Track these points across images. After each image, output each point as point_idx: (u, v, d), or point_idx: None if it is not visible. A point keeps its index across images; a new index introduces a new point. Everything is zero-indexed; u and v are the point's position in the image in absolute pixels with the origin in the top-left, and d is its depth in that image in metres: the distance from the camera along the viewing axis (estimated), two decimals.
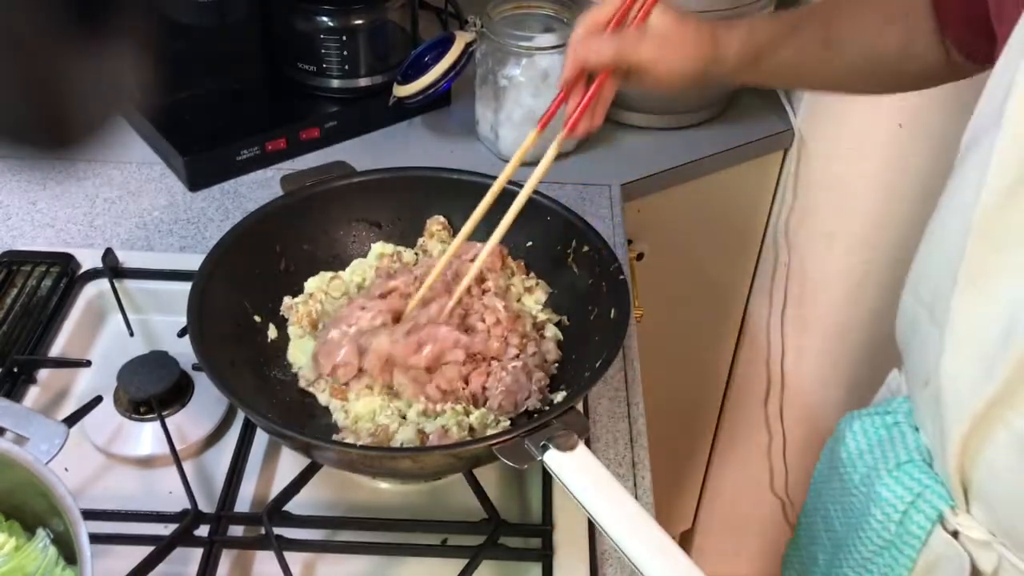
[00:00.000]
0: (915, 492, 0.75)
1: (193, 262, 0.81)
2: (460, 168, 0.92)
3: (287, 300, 0.86)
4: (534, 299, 0.88)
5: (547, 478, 0.79)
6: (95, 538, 0.58)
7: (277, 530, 0.73)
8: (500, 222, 0.80)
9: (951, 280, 0.65)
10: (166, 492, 0.79)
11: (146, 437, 0.81)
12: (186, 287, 0.77)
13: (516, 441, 0.66)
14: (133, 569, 0.69)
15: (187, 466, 0.79)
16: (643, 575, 0.60)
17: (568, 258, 0.87)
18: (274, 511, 0.74)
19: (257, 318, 0.84)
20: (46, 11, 0.39)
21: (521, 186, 0.81)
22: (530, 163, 1.06)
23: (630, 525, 0.61)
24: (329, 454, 0.72)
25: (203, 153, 1.10)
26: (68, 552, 0.61)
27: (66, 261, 0.96)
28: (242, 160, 1.12)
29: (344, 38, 1.13)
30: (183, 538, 0.73)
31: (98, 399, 0.82)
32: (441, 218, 0.92)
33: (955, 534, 0.73)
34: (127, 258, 0.97)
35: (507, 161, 1.15)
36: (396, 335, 0.79)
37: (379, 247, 0.91)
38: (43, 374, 0.87)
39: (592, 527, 0.76)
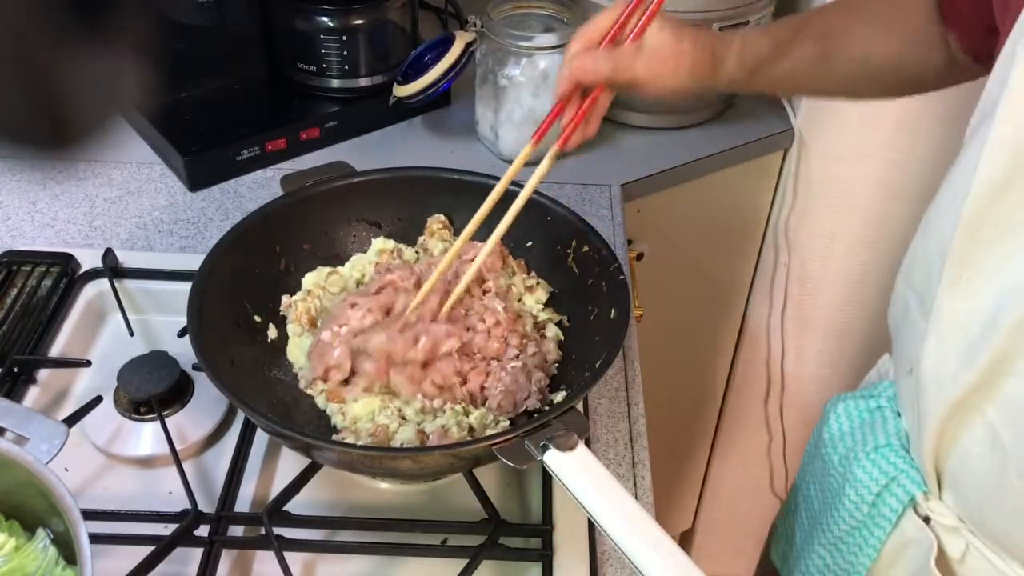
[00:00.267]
0: (889, 475, 0.77)
1: (193, 262, 0.81)
2: (460, 168, 0.92)
3: (286, 299, 0.86)
4: (535, 298, 0.88)
5: (547, 478, 0.79)
6: (95, 538, 0.58)
7: (277, 530, 0.73)
8: (498, 224, 0.79)
9: (940, 268, 0.65)
10: (166, 492, 0.79)
11: (146, 437, 0.81)
12: (186, 287, 0.77)
13: (516, 441, 0.66)
14: (133, 569, 0.69)
15: (187, 466, 0.79)
16: (643, 575, 0.60)
17: (568, 258, 0.87)
18: (274, 511, 0.74)
19: (257, 318, 0.84)
20: (46, 11, 0.39)
21: (522, 187, 0.80)
22: (531, 163, 1.06)
23: (630, 525, 0.61)
24: (329, 454, 0.72)
25: (203, 153, 1.10)
26: (68, 552, 0.61)
27: (66, 261, 0.96)
28: (242, 160, 1.12)
29: (344, 38, 1.13)
30: (183, 538, 0.73)
31: (98, 399, 0.82)
32: (442, 217, 0.92)
33: (926, 519, 0.74)
34: (127, 258, 0.97)
35: (507, 161, 1.16)
36: (392, 332, 0.79)
37: (380, 243, 0.91)
38: (43, 374, 0.87)
39: (592, 527, 0.76)
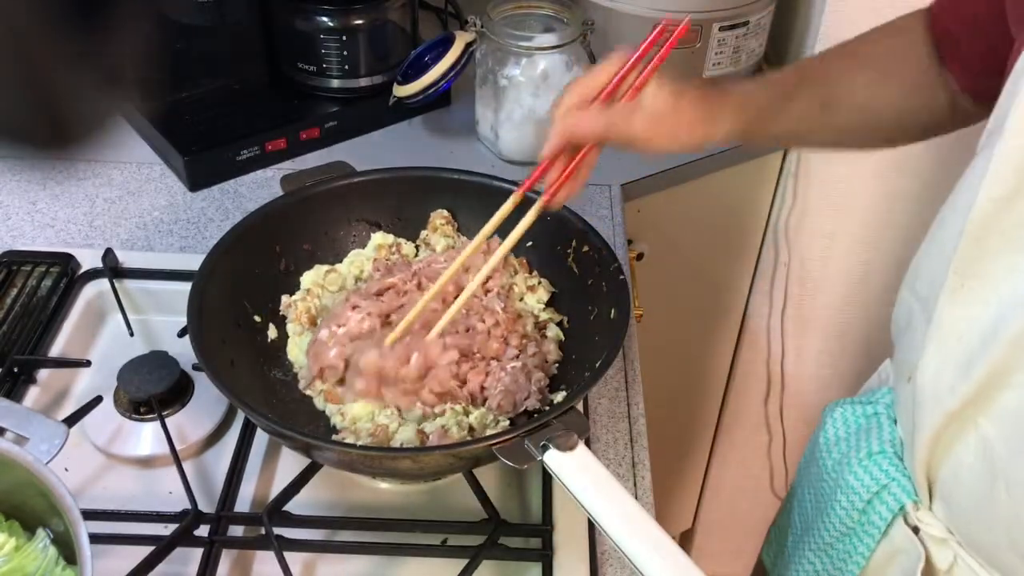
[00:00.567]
0: (881, 483, 0.77)
1: (193, 262, 0.81)
2: (460, 168, 0.92)
3: (285, 299, 0.86)
4: (536, 298, 0.87)
5: (547, 478, 0.79)
6: (95, 538, 0.58)
7: (277, 530, 0.73)
8: (499, 247, 0.78)
9: (944, 278, 0.65)
10: (166, 492, 0.79)
11: (146, 437, 0.81)
12: (186, 287, 0.77)
13: (516, 441, 0.66)
14: (133, 569, 0.69)
15: (187, 466, 0.79)
16: (643, 575, 0.60)
17: (568, 258, 0.87)
18: (274, 511, 0.74)
19: (257, 318, 0.84)
20: (46, 11, 0.39)
21: (536, 192, 0.80)
22: (526, 163, 1.06)
23: (630, 525, 0.61)
24: (329, 454, 0.72)
25: (203, 153, 1.10)
26: (68, 552, 0.61)
27: (66, 261, 0.96)
28: (242, 160, 1.12)
29: (344, 38, 1.13)
30: (183, 538, 0.73)
31: (98, 399, 0.82)
32: (445, 212, 0.92)
33: (915, 529, 0.74)
34: (127, 258, 0.97)
35: (507, 162, 1.16)
36: (384, 348, 0.78)
37: (378, 238, 0.91)
38: (43, 374, 0.87)
39: (592, 527, 0.76)
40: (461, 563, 0.71)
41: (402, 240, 0.92)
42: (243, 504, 0.78)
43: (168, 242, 1.03)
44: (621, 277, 0.80)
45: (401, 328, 0.78)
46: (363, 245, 0.92)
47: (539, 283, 0.88)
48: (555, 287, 0.88)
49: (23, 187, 1.09)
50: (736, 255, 1.45)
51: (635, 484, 0.82)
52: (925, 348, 0.68)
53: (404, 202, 0.92)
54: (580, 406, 0.85)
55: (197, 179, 1.10)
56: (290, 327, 0.85)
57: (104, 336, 0.94)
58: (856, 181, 1.32)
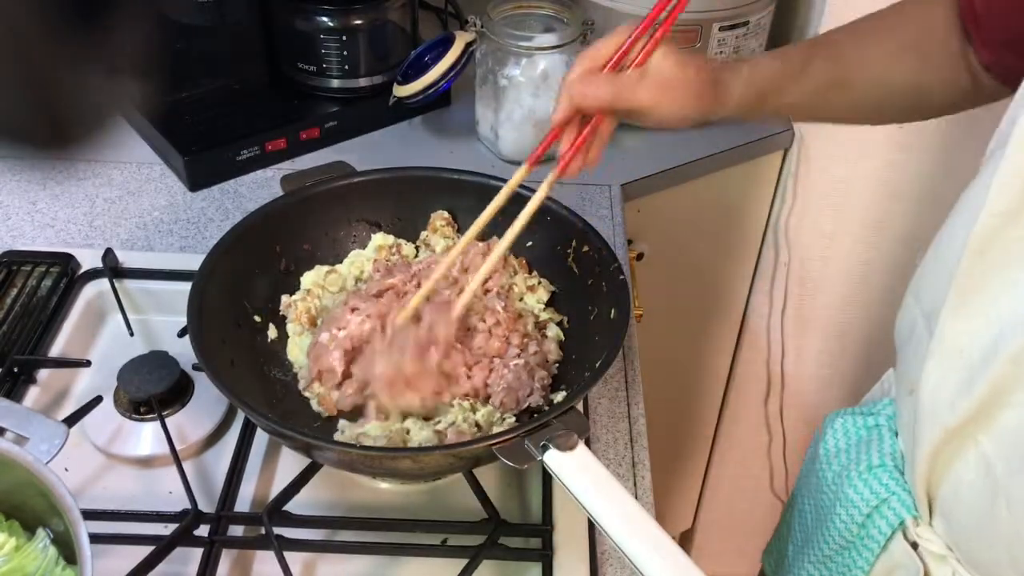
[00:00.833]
0: (881, 497, 0.76)
1: (193, 262, 0.81)
2: (460, 168, 0.92)
3: (285, 299, 0.86)
4: (536, 298, 0.87)
5: (547, 478, 0.79)
6: (95, 538, 0.58)
7: (277, 530, 0.73)
8: (500, 241, 0.78)
9: (947, 291, 0.65)
10: (166, 492, 0.79)
11: (146, 437, 0.81)
12: (186, 287, 0.77)
13: (516, 441, 0.66)
14: (133, 569, 0.69)
15: (187, 466, 0.79)
16: (643, 575, 0.60)
17: (568, 258, 0.87)
18: (274, 511, 0.74)
19: (257, 318, 0.84)
20: (46, 11, 0.39)
21: (532, 189, 0.80)
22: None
23: (630, 525, 0.61)
24: (329, 454, 0.72)
25: (203, 153, 1.10)
26: (68, 552, 0.61)
27: (66, 261, 0.96)
28: (242, 160, 1.12)
29: (344, 38, 1.13)
30: (183, 538, 0.73)
31: (98, 399, 0.82)
32: (445, 213, 0.92)
33: (914, 545, 0.73)
34: (127, 258, 0.97)
35: (507, 162, 1.16)
36: (391, 352, 0.77)
37: (379, 238, 0.91)
38: (43, 374, 0.87)
39: (592, 527, 0.76)
40: (461, 563, 0.71)
41: (402, 241, 0.92)
42: (243, 504, 0.78)
43: (168, 242, 1.03)
44: (621, 277, 0.80)
45: (403, 317, 0.78)
46: (363, 245, 0.92)
47: (539, 283, 0.88)
48: (555, 287, 0.88)
49: (23, 187, 1.09)
50: (736, 255, 1.45)
51: (635, 484, 0.82)
52: (926, 362, 0.67)
53: (404, 202, 0.92)
54: (580, 406, 0.85)
55: (197, 179, 1.10)
56: (290, 327, 0.85)
57: (104, 336, 0.94)
58: (856, 181, 1.32)
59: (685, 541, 1.91)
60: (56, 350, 0.89)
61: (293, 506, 0.76)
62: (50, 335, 0.89)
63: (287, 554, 0.71)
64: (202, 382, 0.85)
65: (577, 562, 0.74)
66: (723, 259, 1.45)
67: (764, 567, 1.02)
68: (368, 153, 1.16)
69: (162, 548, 0.71)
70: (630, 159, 1.20)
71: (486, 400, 0.79)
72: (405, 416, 0.78)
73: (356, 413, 0.80)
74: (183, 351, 0.80)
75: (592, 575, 0.74)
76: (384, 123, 1.21)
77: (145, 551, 0.71)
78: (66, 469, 0.79)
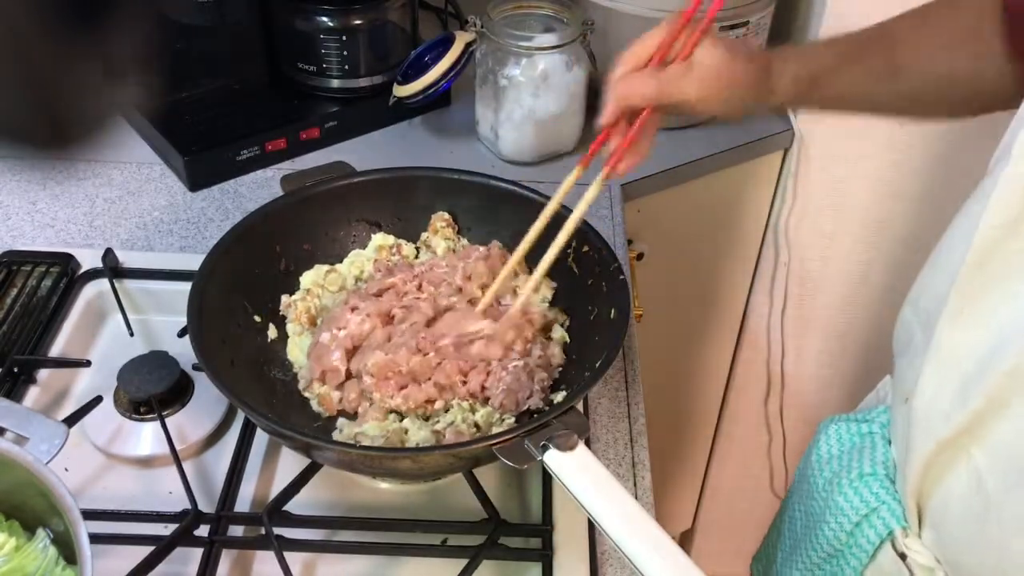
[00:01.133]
0: (871, 506, 0.75)
1: (193, 262, 0.81)
2: (460, 168, 0.92)
3: (285, 299, 0.86)
4: (540, 297, 0.87)
5: (547, 478, 0.79)
6: (95, 538, 0.58)
7: (277, 530, 0.73)
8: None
9: (946, 301, 0.64)
10: (166, 492, 0.79)
11: (146, 437, 0.81)
12: (186, 287, 0.77)
13: (516, 441, 0.66)
14: (133, 569, 0.69)
15: (187, 466, 0.79)
16: (643, 575, 0.60)
17: (568, 258, 0.87)
18: (274, 511, 0.74)
19: (257, 318, 0.84)
20: (46, 11, 0.39)
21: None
22: (526, 163, 1.06)
23: (630, 525, 0.61)
24: (329, 454, 0.72)
25: (203, 153, 1.10)
26: (68, 552, 0.61)
27: (66, 261, 0.96)
28: (242, 160, 1.12)
29: (344, 38, 1.13)
30: (183, 538, 0.73)
31: (98, 399, 0.82)
32: (446, 215, 0.92)
33: (903, 556, 0.73)
34: (127, 258, 0.97)
35: (507, 162, 1.16)
36: (388, 346, 0.78)
37: (379, 238, 0.91)
38: (43, 374, 0.87)
39: (592, 527, 0.76)
40: (461, 563, 0.71)
41: (402, 241, 0.92)
42: (243, 504, 0.78)
43: (168, 242, 1.03)
44: (621, 277, 0.80)
45: (488, 297, 0.79)
46: (363, 245, 0.92)
47: (542, 282, 0.88)
48: (556, 283, 0.88)
49: (23, 187, 1.09)
50: (736, 255, 1.45)
51: (635, 484, 0.82)
52: (923, 371, 0.66)
53: (404, 202, 0.92)
54: (580, 406, 0.85)
55: (197, 179, 1.10)
56: (290, 327, 0.85)
57: (104, 336, 0.94)
58: (856, 181, 1.32)
59: (685, 541, 1.91)
60: (56, 350, 0.89)
61: (293, 506, 0.76)
62: (50, 335, 0.89)
63: (287, 554, 0.71)
64: (202, 382, 0.85)
65: (577, 562, 0.74)
66: (723, 259, 1.45)
67: (752, 574, 1.01)
68: (368, 153, 1.16)
69: (162, 548, 0.71)
70: None
71: (485, 402, 0.79)
72: (403, 416, 0.78)
73: (356, 412, 0.80)
74: (183, 351, 0.80)
75: (592, 575, 0.74)
76: (384, 123, 1.21)
77: (145, 551, 0.71)
78: (66, 469, 0.79)
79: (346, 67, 1.15)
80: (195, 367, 0.84)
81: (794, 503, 0.89)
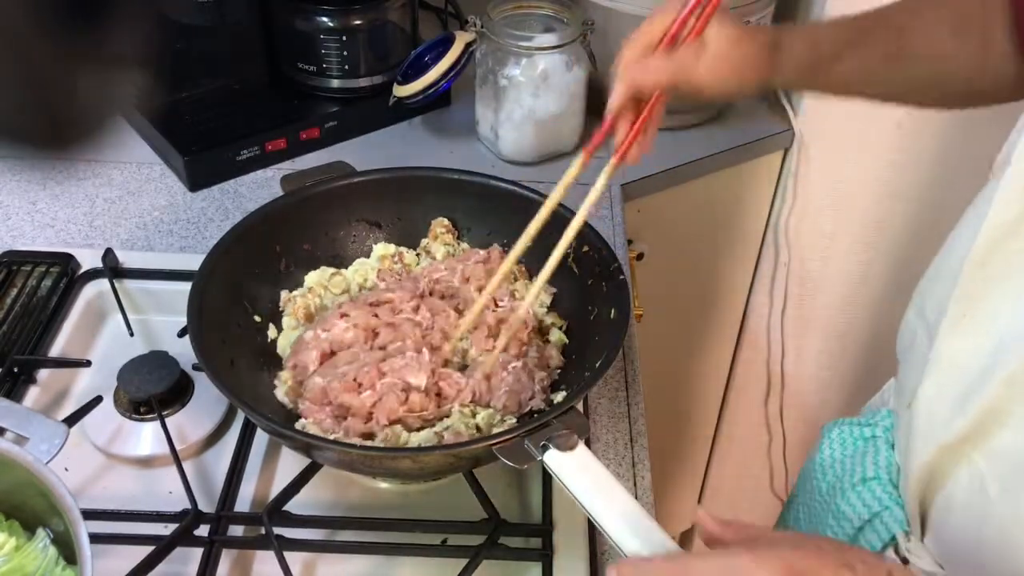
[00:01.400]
0: (873, 511, 0.75)
1: (193, 262, 0.81)
2: (460, 168, 0.92)
3: (285, 293, 0.87)
4: (539, 302, 0.87)
5: (547, 478, 0.79)
6: (95, 538, 0.58)
7: (277, 530, 0.73)
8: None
9: (948, 305, 0.64)
10: (166, 492, 0.79)
11: (146, 437, 0.81)
12: (186, 287, 0.77)
13: (516, 441, 0.66)
14: (133, 569, 0.70)
15: (187, 466, 0.79)
16: None
17: (568, 258, 0.87)
18: (274, 511, 0.74)
19: (257, 318, 0.84)
20: (46, 11, 0.39)
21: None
22: (526, 163, 1.06)
23: (630, 525, 0.61)
24: (329, 454, 0.72)
25: (203, 153, 1.10)
26: (68, 552, 0.61)
27: (66, 261, 0.96)
28: (242, 160, 1.12)
29: (344, 38, 1.13)
30: (183, 538, 0.73)
31: (98, 399, 0.82)
32: (445, 220, 0.92)
33: (905, 560, 0.72)
34: (127, 258, 0.97)
35: (507, 162, 1.16)
36: (335, 372, 0.77)
37: (380, 248, 0.91)
38: (43, 374, 0.87)
39: (592, 527, 0.76)
40: (461, 563, 0.71)
41: (403, 249, 0.92)
42: (243, 504, 0.78)
43: (168, 242, 1.03)
44: (621, 277, 0.80)
45: (484, 298, 0.77)
46: (363, 244, 0.92)
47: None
48: (555, 288, 0.88)
49: (23, 187, 1.09)
50: (736, 255, 1.45)
51: (635, 484, 0.82)
52: (925, 376, 0.66)
53: (404, 202, 0.92)
54: (580, 406, 0.85)
55: (197, 179, 1.10)
56: (286, 320, 0.85)
57: (104, 336, 0.94)
58: (856, 181, 1.32)
59: (685, 541, 1.90)
60: (56, 350, 0.89)
61: (293, 506, 0.76)
62: (50, 335, 0.89)
63: (287, 554, 0.71)
64: (202, 382, 0.85)
65: (577, 562, 0.74)
66: (723, 259, 1.45)
67: None
68: (368, 153, 1.16)
69: (162, 548, 0.71)
70: None
71: (485, 406, 0.79)
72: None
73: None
74: (183, 351, 0.80)
75: (592, 575, 0.74)
76: (384, 123, 1.21)
77: (145, 551, 0.71)
78: (66, 469, 0.79)
79: (346, 67, 1.15)
80: (195, 367, 0.84)
81: (797, 506, 0.89)
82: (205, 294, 0.78)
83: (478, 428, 0.77)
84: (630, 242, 1.18)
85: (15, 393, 0.84)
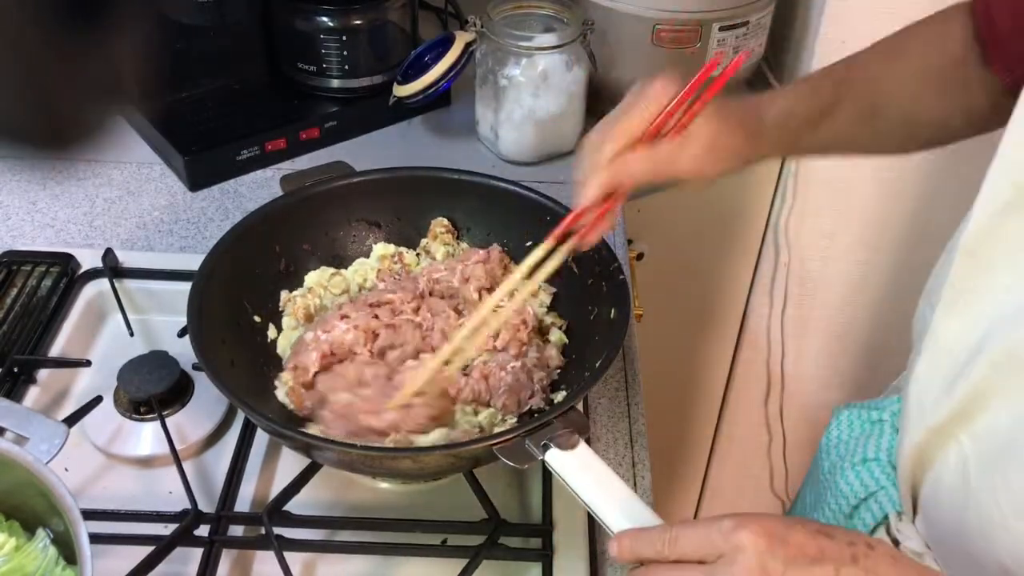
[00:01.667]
0: (869, 490, 0.76)
1: (193, 262, 0.81)
2: (460, 168, 0.92)
3: (284, 293, 0.87)
4: (539, 301, 0.87)
5: (547, 478, 0.79)
6: (95, 538, 0.58)
7: (277, 530, 0.73)
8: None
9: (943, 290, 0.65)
10: (166, 492, 0.79)
11: (146, 437, 0.81)
12: (186, 287, 0.77)
13: (517, 441, 0.66)
14: (133, 569, 0.69)
15: (187, 466, 0.79)
16: None
17: (568, 258, 0.87)
18: (274, 511, 0.74)
19: (257, 318, 0.84)
20: (46, 11, 0.39)
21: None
22: (526, 163, 1.06)
23: (634, 521, 0.61)
24: (329, 454, 0.72)
25: (203, 153, 1.10)
26: (68, 552, 0.61)
27: (66, 261, 0.95)
28: (242, 160, 1.12)
29: (344, 38, 1.13)
30: (183, 538, 0.73)
31: (98, 399, 0.82)
32: (444, 220, 0.92)
33: (896, 542, 0.73)
34: (127, 258, 0.97)
35: (507, 162, 1.16)
36: (360, 392, 0.77)
37: (380, 248, 0.91)
38: (43, 374, 0.87)
39: (592, 526, 0.76)
40: (461, 563, 0.71)
41: (403, 249, 0.92)
42: (243, 504, 0.78)
43: (168, 242, 1.03)
44: (621, 277, 0.80)
45: (405, 394, 0.75)
46: (363, 244, 0.92)
47: (540, 287, 0.88)
48: (555, 288, 0.88)
49: (23, 187, 1.09)
50: (736, 255, 1.45)
51: (635, 484, 0.82)
52: (919, 360, 0.67)
53: (404, 202, 0.92)
54: (580, 406, 0.85)
55: (197, 179, 1.10)
56: (285, 320, 0.85)
57: (104, 336, 0.94)
58: (856, 181, 1.32)
59: None
60: (56, 350, 0.89)
61: (293, 506, 0.76)
62: (50, 335, 0.89)
63: (287, 554, 0.71)
64: (202, 382, 0.85)
65: (577, 562, 0.74)
66: (723, 259, 1.45)
67: None
68: (368, 153, 1.16)
69: (162, 548, 0.71)
70: None
71: (486, 405, 0.79)
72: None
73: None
74: (183, 351, 0.80)
75: (592, 575, 0.74)
76: (384, 123, 1.21)
77: (145, 551, 0.71)
78: (66, 469, 0.79)
79: (346, 67, 1.15)
80: (195, 367, 0.84)
81: (805, 486, 0.90)
82: (205, 294, 0.78)
83: (480, 428, 0.77)
84: (630, 242, 1.18)
85: (15, 393, 0.84)
